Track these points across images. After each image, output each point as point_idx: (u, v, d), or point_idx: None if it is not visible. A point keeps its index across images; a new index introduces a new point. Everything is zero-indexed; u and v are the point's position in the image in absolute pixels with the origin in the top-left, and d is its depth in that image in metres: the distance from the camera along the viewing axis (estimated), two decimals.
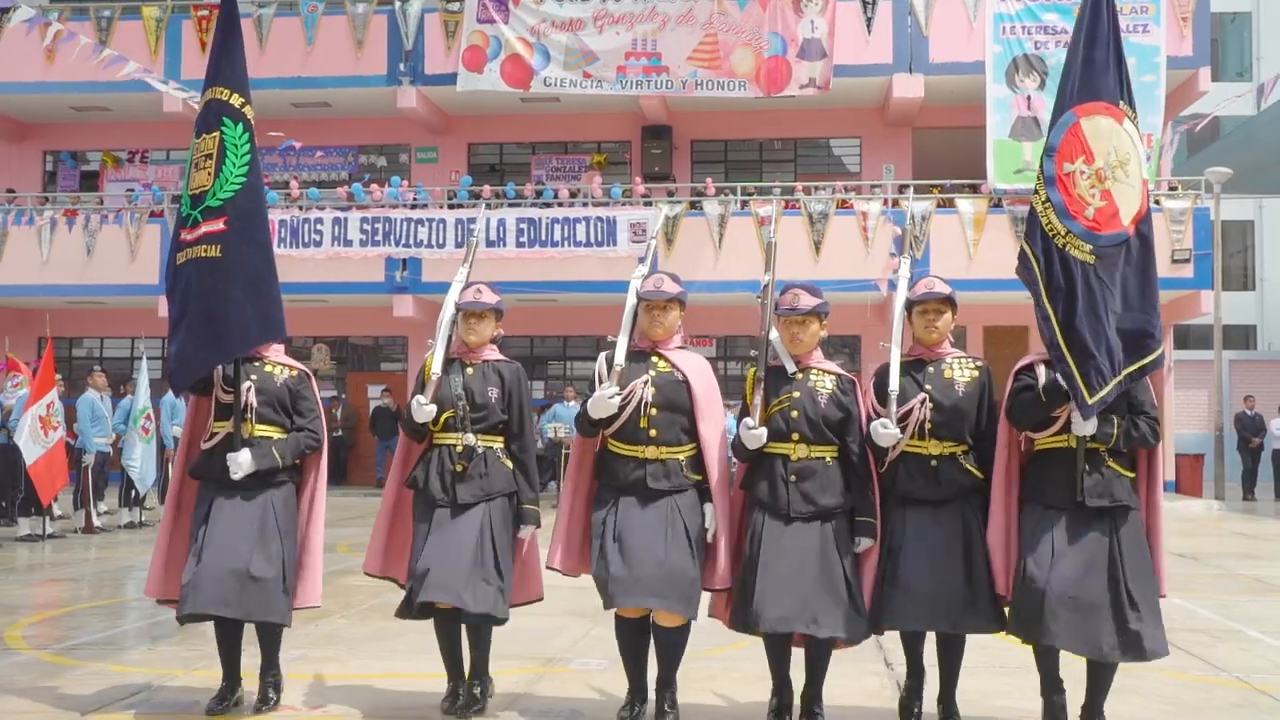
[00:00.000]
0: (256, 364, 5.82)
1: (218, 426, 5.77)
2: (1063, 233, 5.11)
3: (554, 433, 19.24)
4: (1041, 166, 5.22)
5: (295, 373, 5.92)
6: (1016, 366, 5.43)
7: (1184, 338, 30.12)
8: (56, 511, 14.90)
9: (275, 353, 5.95)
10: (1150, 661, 5.14)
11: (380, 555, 5.85)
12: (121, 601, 9.69)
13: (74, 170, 26.48)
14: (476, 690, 5.70)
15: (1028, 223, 5.23)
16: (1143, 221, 5.26)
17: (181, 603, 5.54)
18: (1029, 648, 6.84)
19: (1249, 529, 16.75)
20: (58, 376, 14.68)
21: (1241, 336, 34.46)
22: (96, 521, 15.20)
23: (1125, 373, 5.10)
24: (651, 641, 5.57)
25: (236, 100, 5.83)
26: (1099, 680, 5.24)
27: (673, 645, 5.53)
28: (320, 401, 6.02)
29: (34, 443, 13.41)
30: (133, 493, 15.72)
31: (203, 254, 5.72)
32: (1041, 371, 5.28)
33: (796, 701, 5.57)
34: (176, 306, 5.80)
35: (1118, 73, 5.30)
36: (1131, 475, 5.24)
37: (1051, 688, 5.29)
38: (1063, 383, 5.06)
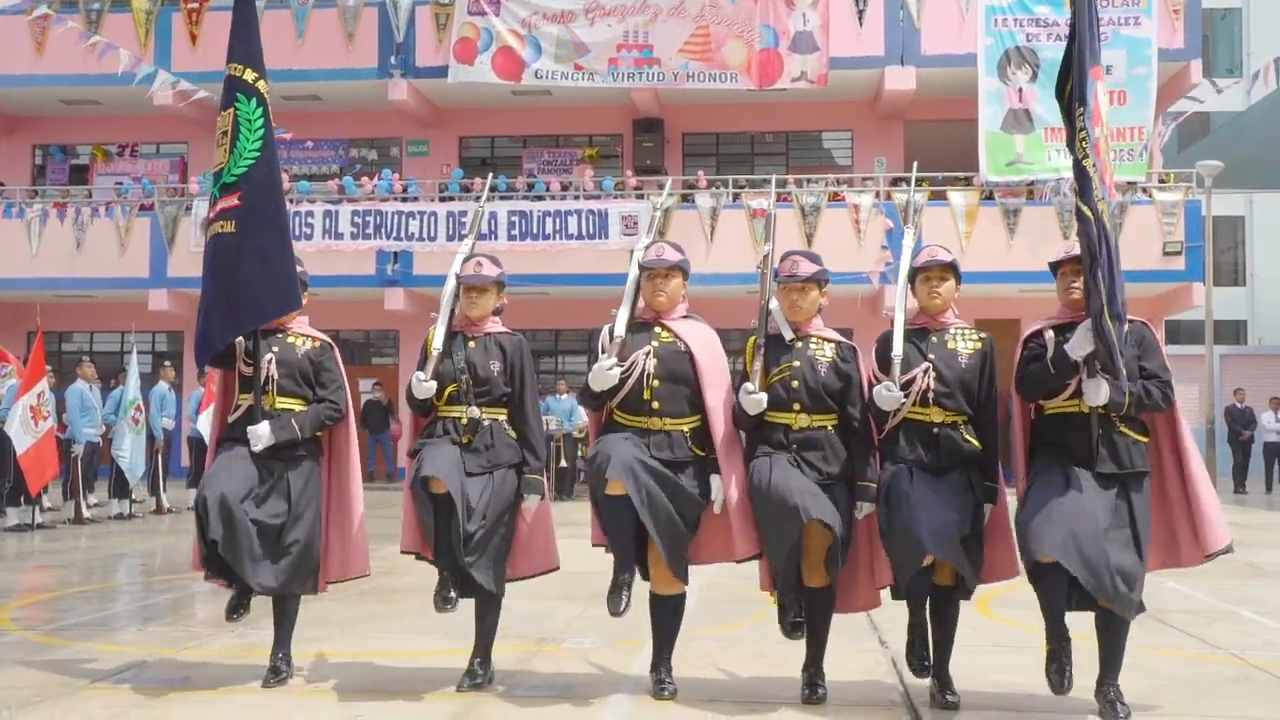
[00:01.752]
0: (278, 335, 5.83)
1: (242, 399, 5.79)
2: (1101, 198, 5.01)
3: (545, 426, 19.18)
4: (1089, 130, 5.01)
5: (318, 344, 5.92)
6: (1025, 333, 5.38)
7: (1175, 332, 30.11)
8: (46, 503, 14.82)
9: (299, 324, 5.95)
10: (1123, 618, 5.08)
11: (415, 532, 5.69)
12: (112, 586, 9.64)
13: (63, 164, 26.36)
14: (478, 664, 5.65)
15: (1081, 184, 5.03)
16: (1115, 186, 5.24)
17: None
18: (1023, 628, 6.87)
19: (1240, 519, 16.74)
20: (48, 368, 14.61)
21: (1232, 332, 34.51)
22: (86, 512, 15.12)
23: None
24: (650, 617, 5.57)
25: (250, 75, 5.86)
26: (1110, 641, 5.15)
27: (669, 615, 5.51)
28: (343, 372, 5.99)
29: (24, 432, 13.37)
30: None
31: (220, 230, 5.77)
32: (1050, 338, 5.24)
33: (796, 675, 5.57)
34: (203, 284, 5.82)
35: (1096, 32, 5.26)
36: (1145, 439, 5.20)
37: (1056, 633, 5.11)
38: (1064, 351, 5.02)
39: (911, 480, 5.22)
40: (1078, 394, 5.12)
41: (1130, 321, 5.21)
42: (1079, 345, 5.00)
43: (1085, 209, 4.99)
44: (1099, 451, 5.08)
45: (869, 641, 6.92)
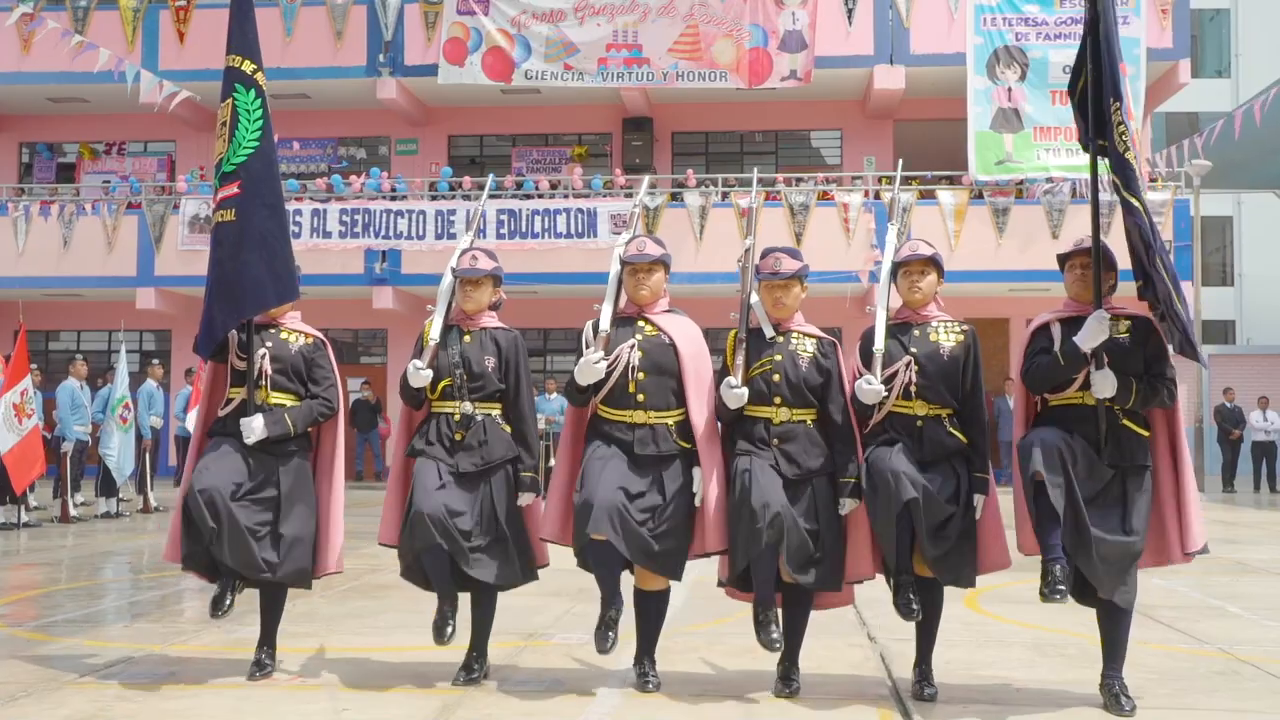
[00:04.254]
0: (272, 331, 5.82)
1: (233, 393, 5.78)
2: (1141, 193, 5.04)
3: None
4: (1127, 124, 5.01)
5: (311, 340, 5.91)
6: (1032, 326, 5.40)
7: None
8: (32, 501, 14.75)
9: (292, 319, 5.94)
10: (1120, 608, 5.15)
11: (395, 526, 5.71)
12: (99, 583, 9.60)
13: (50, 162, 26.26)
14: (474, 659, 5.64)
15: (1124, 178, 5.00)
16: None
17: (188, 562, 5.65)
18: (1010, 623, 6.88)
19: (1229, 517, 16.80)
20: (33, 366, 14.53)
21: (1221, 331, 34.60)
22: (73, 511, 15.07)
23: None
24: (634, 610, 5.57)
25: (248, 66, 5.87)
26: (1112, 633, 5.23)
27: (655, 610, 5.52)
28: (336, 369, 5.97)
29: (7, 430, 13.28)
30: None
31: (221, 219, 5.77)
32: (1058, 332, 5.24)
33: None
34: (208, 274, 5.81)
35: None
36: (1147, 434, 5.21)
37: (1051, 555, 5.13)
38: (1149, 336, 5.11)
39: (894, 454, 5.22)
40: (1084, 387, 5.13)
41: (1134, 317, 5.24)
42: (1089, 337, 5.00)
43: (1133, 200, 4.99)
44: (1105, 444, 5.08)
45: (857, 637, 6.93)
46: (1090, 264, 5.25)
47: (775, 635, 5.24)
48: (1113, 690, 5.17)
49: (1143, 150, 21.83)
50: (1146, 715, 5.16)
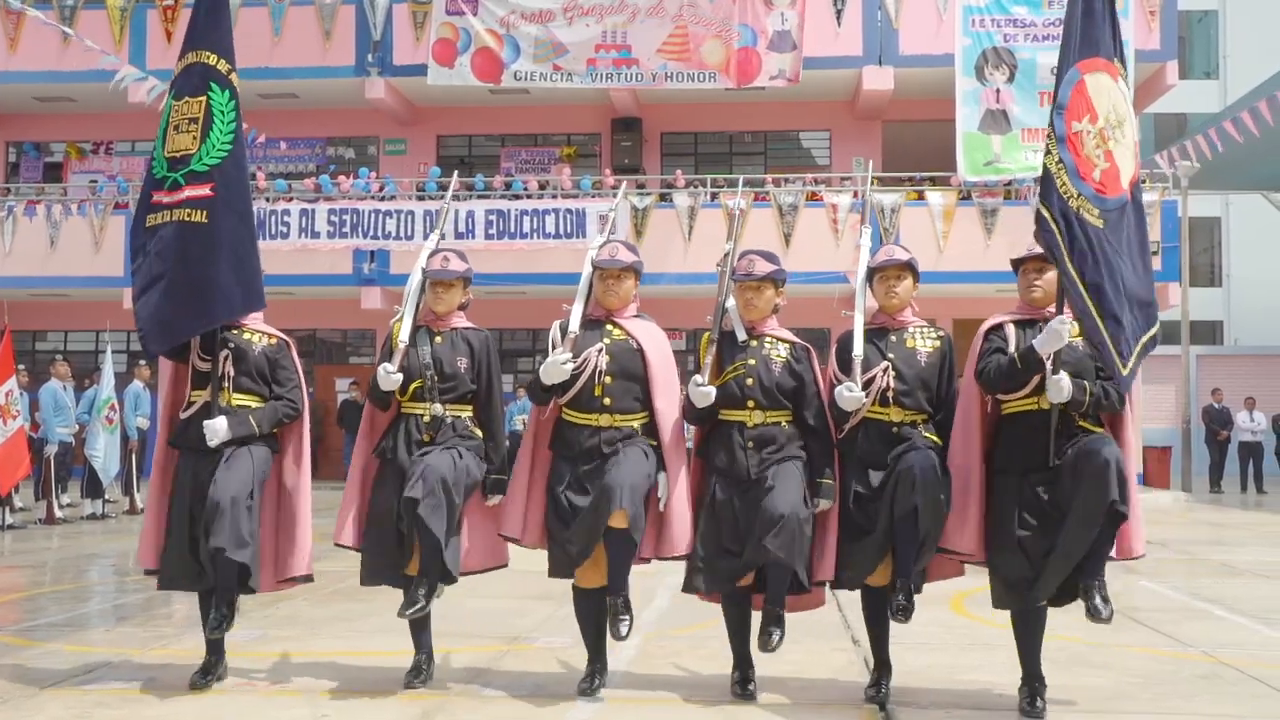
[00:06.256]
0: (235, 332, 5.74)
1: (195, 395, 5.70)
2: (1075, 195, 4.90)
3: (520, 425, 19.11)
4: (1052, 124, 4.96)
5: (274, 341, 5.84)
6: (985, 326, 5.37)
7: None
8: (17, 503, 14.69)
9: (255, 320, 5.86)
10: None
11: (352, 527, 5.68)
12: (83, 586, 9.57)
13: (37, 161, 26.17)
14: (421, 591, 5.43)
15: (1042, 184, 4.97)
16: (1137, 185, 5.14)
17: (162, 575, 5.67)
18: (995, 626, 6.87)
19: (1216, 518, 16.83)
20: (20, 367, 14.47)
21: (1209, 332, 34.65)
22: (58, 513, 15.00)
23: (1141, 343, 5.00)
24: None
25: (223, 66, 5.77)
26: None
27: (619, 547, 5.31)
28: (300, 370, 5.91)
29: None
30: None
31: (186, 218, 5.63)
32: (1011, 332, 5.23)
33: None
34: (147, 268, 5.68)
35: (1112, 28, 5.17)
36: (1101, 430, 5.20)
37: (1032, 674, 5.24)
38: (1059, 352, 4.95)
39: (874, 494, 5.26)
40: (1036, 391, 5.11)
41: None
42: (1047, 342, 4.96)
43: (1043, 210, 4.95)
44: (1056, 446, 5.07)
45: (842, 641, 6.92)
46: (1043, 269, 5.25)
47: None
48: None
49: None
50: (1128, 719, 5.17)
